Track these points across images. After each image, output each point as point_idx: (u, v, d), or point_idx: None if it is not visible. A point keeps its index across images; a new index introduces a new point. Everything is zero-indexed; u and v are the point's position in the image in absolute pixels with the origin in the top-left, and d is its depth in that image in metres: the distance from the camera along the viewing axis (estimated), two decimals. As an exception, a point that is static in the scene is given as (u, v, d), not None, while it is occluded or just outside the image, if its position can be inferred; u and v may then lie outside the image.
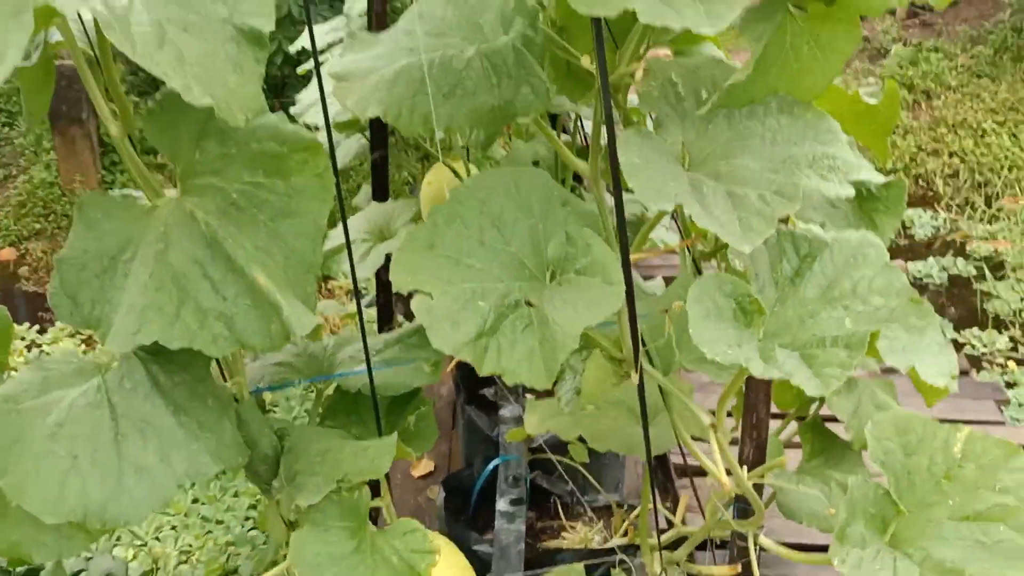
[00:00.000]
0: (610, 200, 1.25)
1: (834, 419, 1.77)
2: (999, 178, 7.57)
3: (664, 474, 2.99)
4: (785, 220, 1.74)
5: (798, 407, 2.05)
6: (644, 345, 1.43)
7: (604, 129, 1.17)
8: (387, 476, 2.83)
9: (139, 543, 3.34)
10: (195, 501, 3.57)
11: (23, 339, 5.59)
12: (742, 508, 1.58)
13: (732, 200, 1.16)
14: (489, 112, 1.26)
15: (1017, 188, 7.43)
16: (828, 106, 1.58)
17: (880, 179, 1.70)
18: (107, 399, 1.04)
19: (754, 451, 1.58)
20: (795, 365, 1.11)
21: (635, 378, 1.34)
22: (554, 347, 1.15)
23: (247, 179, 1.05)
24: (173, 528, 3.43)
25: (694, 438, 1.49)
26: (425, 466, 3.36)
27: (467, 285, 1.20)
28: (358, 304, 1.26)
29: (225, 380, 1.25)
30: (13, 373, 1.17)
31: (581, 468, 2.18)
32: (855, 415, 1.77)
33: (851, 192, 1.18)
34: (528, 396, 2.48)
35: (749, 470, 1.54)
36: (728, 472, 1.37)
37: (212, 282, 1.01)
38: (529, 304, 1.21)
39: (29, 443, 1.02)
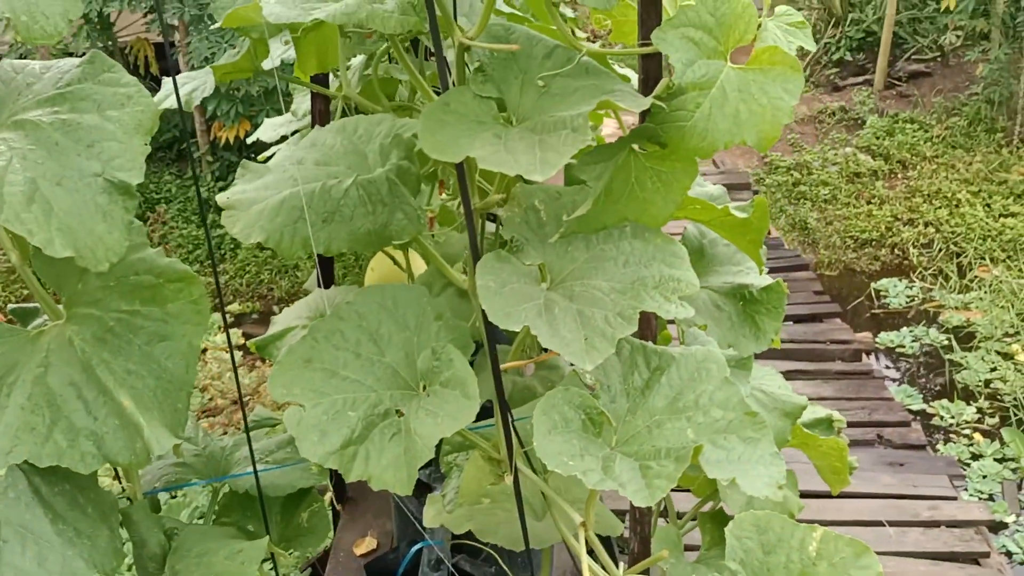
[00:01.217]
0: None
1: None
2: (973, 248, 7.69)
3: (610, 555, 3.06)
4: (671, 321, 1.85)
5: (710, 492, 2.15)
6: (523, 446, 1.53)
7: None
8: (327, 553, 2.90)
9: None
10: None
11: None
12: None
13: (581, 320, 1.27)
14: (366, 236, 1.37)
15: (990, 258, 7.55)
16: (704, 218, 1.71)
17: (762, 283, 1.82)
18: (-12, 508, 1.14)
19: (639, 544, 1.67)
20: (630, 476, 1.21)
21: (509, 479, 1.44)
22: (415, 456, 1.25)
23: (124, 307, 1.16)
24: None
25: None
26: (368, 544, 3.42)
27: (339, 396, 1.31)
28: (243, 409, 1.36)
29: (121, 482, 1.35)
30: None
31: (501, 552, 2.25)
32: (747, 506, 1.86)
33: (690, 313, 1.28)
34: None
35: (633, 564, 1.63)
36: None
37: (86, 403, 1.12)
38: (399, 413, 1.31)
39: (-83, 549, 1.12)
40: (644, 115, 1.31)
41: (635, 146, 1.32)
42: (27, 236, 0.98)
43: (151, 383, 1.15)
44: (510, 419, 1.45)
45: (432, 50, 1.93)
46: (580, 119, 1.18)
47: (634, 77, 1.69)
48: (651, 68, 1.38)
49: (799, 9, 11.36)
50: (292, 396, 1.29)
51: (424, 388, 1.35)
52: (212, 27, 7.17)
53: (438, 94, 1.40)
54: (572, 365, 1.76)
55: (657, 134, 1.26)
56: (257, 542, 1.28)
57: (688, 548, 1.98)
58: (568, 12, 2.05)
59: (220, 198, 1.37)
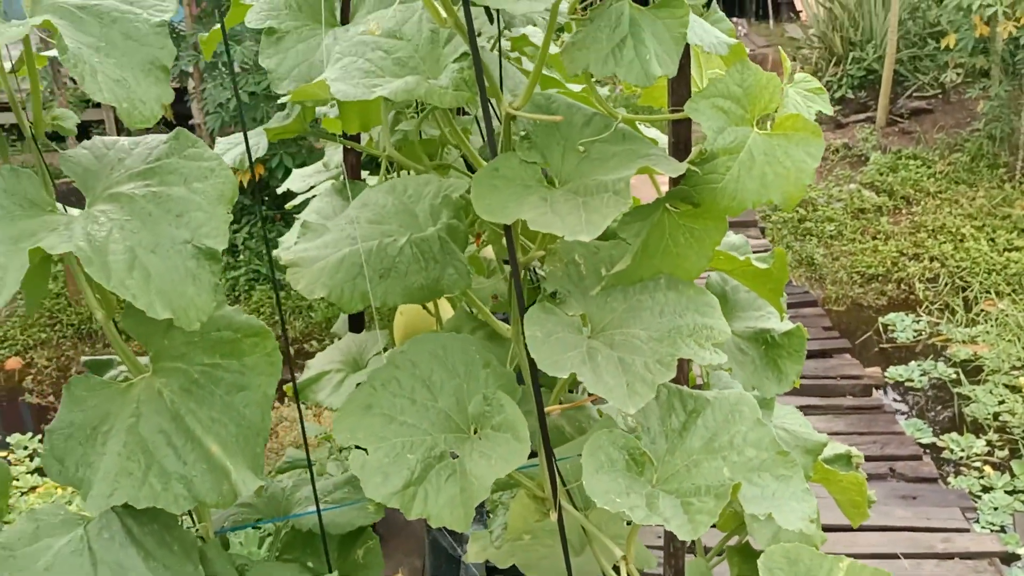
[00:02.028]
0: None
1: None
2: (978, 282, 7.79)
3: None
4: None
5: (735, 527, 2.24)
6: (565, 484, 1.63)
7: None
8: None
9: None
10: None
11: (25, 448, 5.79)
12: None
13: (622, 366, 1.38)
14: (419, 290, 1.48)
15: (995, 292, 7.64)
16: (727, 268, 1.82)
17: (783, 328, 1.92)
18: (88, 547, 1.24)
19: (675, 575, 1.77)
20: (673, 512, 1.31)
21: (554, 516, 1.54)
22: (471, 495, 1.35)
23: (207, 361, 1.27)
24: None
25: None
26: (400, 581, 3.52)
27: (398, 439, 1.41)
28: (307, 453, 1.46)
29: (194, 523, 1.45)
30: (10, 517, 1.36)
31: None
32: (773, 540, 1.95)
33: (723, 359, 1.39)
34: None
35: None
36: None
37: (175, 449, 1.22)
38: (454, 456, 1.42)
39: (21, 586, 1.22)
40: (678, 177, 1.42)
41: (669, 205, 1.43)
42: (132, 300, 1.09)
43: (233, 430, 1.25)
44: (554, 460, 1.55)
45: (467, 111, 2.05)
46: (621, 183, 1.29)
47: (661, 138, 1.81)
48: (681, 132, 1.50)
49: (799, 48, 11.56)
50: (356, 440, 1.39)
51: (476, 431, 1.46)
52: (257, 88, 7.34)
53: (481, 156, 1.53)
54: (599, 408, 1.87)
55: (691, 195, 1.37)
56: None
57: (717, 581, 2.07)
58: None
59: (284, 256, 1.48)
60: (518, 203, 1.31)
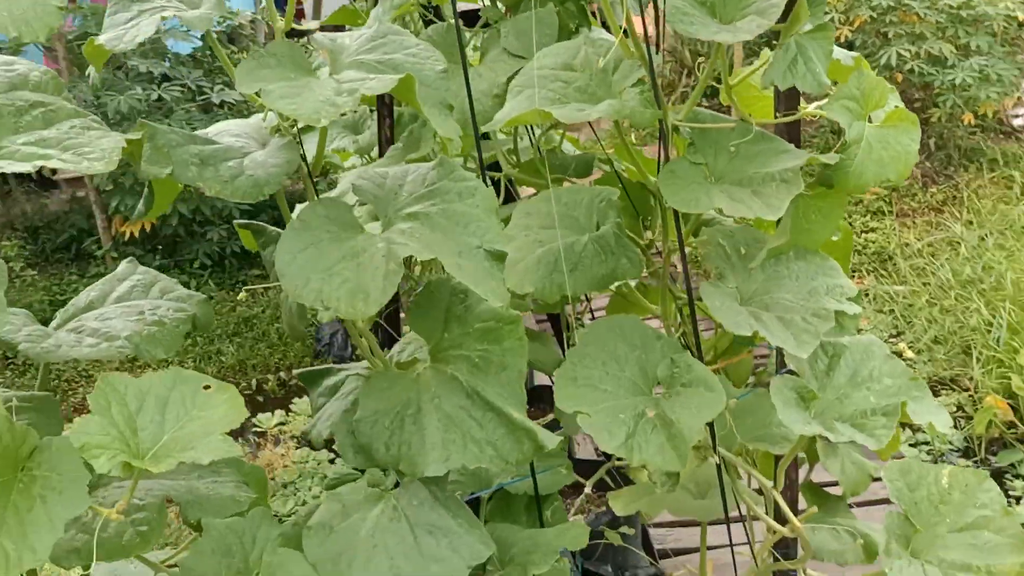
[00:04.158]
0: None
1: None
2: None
3: (649, 553, 3.48)
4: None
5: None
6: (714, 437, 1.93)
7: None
8: None
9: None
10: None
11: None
12: (783, 552, 2.09)
13: (783, 323, 1.70)
14: (601, 278, 1.76)
15: (863, 271, 8.38)
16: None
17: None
18: (403, 513, 1.47)
19: (789, 505, 2.09)
20: (851, 432, 1.64)
21: (714, 460, 1.85)
22: (683, 439, 1.64)
23: (479, 347, 1.52)
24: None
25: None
26: None
27: (606, 404, 1.68)
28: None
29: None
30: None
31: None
32: (843, 472, 2.30)
33: (859, 310, 1.73)
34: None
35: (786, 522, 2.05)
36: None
37: (476, 420, 1.46)
38: (651, 414, 1.70)
39: (354, 552, 1.43)
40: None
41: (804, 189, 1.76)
42: (485, 295, 1.34)
43: (512, 400, 1.51)
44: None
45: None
46: (790, 173, 1.61)
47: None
48: (793, 131, 1.83)
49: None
50: (577, 407, 1.66)
51: (664, 392, 1.74)
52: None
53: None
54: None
55: (830, 179, 1.70)
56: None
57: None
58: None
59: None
60: (707, 196, 1.62)
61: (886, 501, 4.52)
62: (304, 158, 1.49)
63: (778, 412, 1.64)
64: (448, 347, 1.53)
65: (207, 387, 1.30)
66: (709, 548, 2.33)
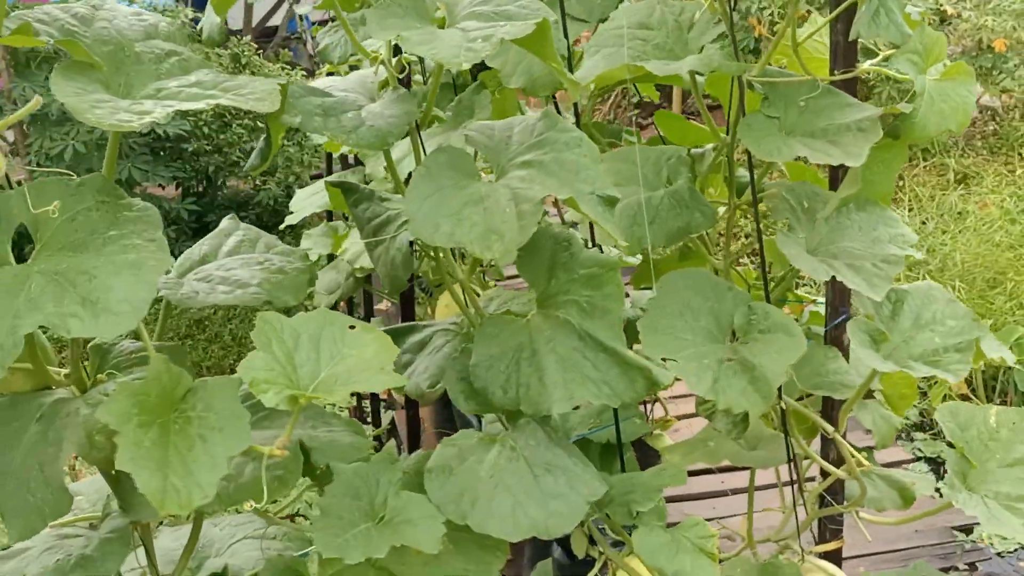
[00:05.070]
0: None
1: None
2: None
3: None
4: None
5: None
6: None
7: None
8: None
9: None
10: None
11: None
12: (833, 496, 2.17)
13: (854, 270, 1.78)
14: (676, 232, 1.82)
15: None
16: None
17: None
18: (521, 455, 1.51)
19: (836, 452, 2.18)
20: (927, 369, 1.73)
21: (781, 404, 1.92)
22: (767, 382, 1.70)
23: (585, 293, 1.57)
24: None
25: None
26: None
27: (689, 351, 1.74)
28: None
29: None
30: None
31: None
32: (874, 424, 2.40)
33: (922, 256, 1.81)
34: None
35: (839, 467, 2.13)
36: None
37: (590, 360, 1.51)
38: (730, 359, 1.77)
39: (476, 491, 1.47)
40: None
41: (867, 141, 1.84)
42: (613, 233, 1.39)
43: (619, 342, 1.56)
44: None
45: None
46: (867, 122, 1.69)
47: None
48: (849, 88, 1.91)
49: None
50: (664, 353, 1.72)
51: (734, 340, 1.81)
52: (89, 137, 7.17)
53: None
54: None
55: (898, 129, 1.79)
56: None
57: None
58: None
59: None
60: (787, 146, 1.69)
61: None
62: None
63: (853, 352, 1.71)
64: (555, 293, 1.58)
65: (352, 327, 1.33)
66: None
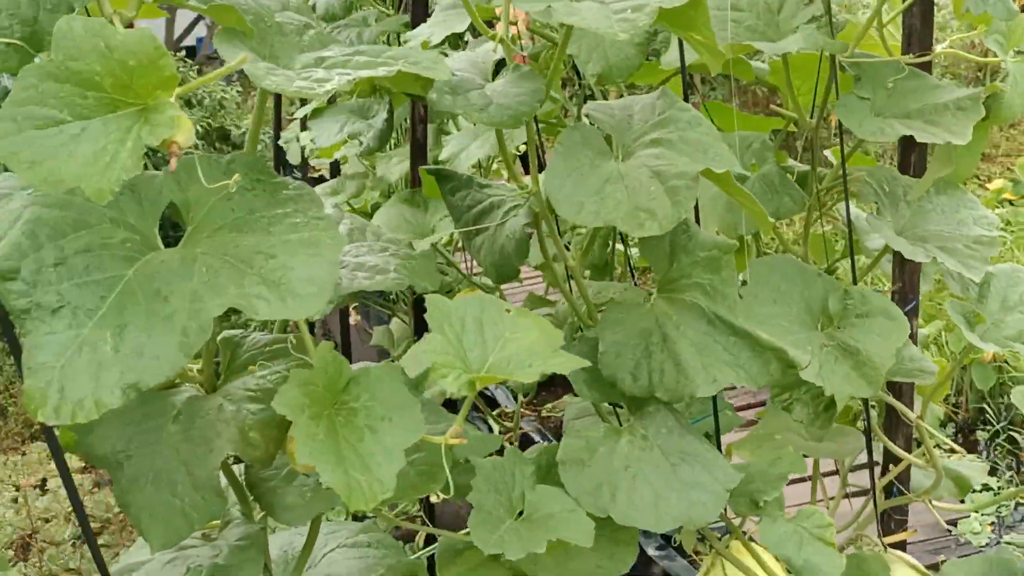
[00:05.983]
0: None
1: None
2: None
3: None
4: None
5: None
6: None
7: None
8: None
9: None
10: None
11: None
12: (900, 488, 2.16)
13: (946, 252, 1.77)
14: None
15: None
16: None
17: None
18: (654, 444, 1.45)
19: (903, 442, 2.17)
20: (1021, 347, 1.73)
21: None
22: (873, 366, 1.67)
23: (706, 275, 1.52)
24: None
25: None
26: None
27: (789, 339, 1.71)
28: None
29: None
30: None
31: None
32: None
33: (1009, 237, 1.81)
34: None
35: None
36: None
37: (721, 344, 1.46)
38: (827, 345, 1.74)
39: (614, 483, 1.41)
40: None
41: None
42: (753, 212, 1.35)
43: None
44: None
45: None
46: (967, 101, 1.68)
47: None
48: (924, 71, 1.91)
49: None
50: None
51: (826, 326, 1.78)
52: None
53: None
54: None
55: (987, 109, 1.78)
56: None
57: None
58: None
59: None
60: (890, 126, 1.67)
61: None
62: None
63: (962, 332, 1.70)
64: (678, 276, 1.53)
65: (508, 311, 1.26)
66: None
